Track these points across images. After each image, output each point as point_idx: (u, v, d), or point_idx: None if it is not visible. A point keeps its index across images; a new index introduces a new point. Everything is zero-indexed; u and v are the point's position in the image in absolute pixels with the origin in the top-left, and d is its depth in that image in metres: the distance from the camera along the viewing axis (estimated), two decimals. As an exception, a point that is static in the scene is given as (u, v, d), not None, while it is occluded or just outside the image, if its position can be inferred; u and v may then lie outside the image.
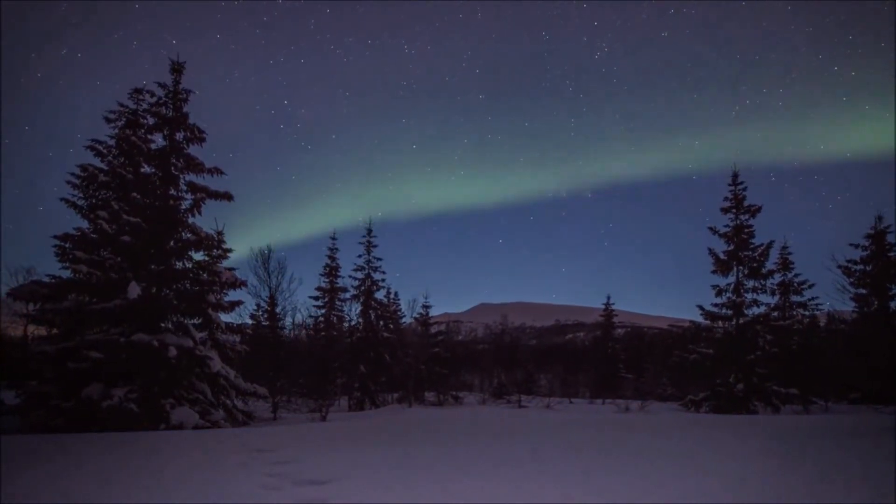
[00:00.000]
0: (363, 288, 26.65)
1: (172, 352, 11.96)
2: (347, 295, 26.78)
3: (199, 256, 14.03)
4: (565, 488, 4.78)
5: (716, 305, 21.28)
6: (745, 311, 20.94)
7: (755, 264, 20.95)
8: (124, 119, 13.76)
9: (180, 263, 13.85)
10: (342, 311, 26.97)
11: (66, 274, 12.47)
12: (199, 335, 13.33)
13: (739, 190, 21.11)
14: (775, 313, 22.42)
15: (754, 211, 20.94)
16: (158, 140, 14.06)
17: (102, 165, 13.50)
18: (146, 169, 13.84)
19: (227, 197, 14.13)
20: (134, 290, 11.94)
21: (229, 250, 14.32)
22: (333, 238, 26.89)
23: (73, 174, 13.31)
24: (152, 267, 13.07)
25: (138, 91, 13.91)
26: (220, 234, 14.07)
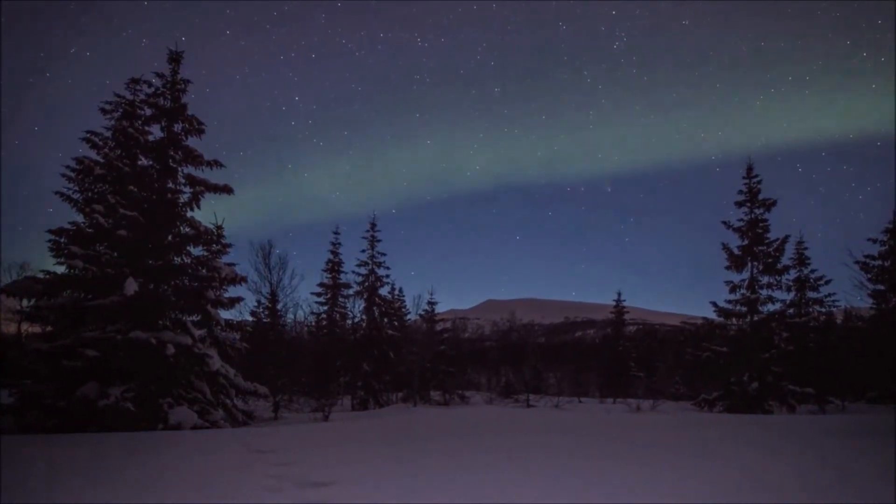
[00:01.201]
0: (367, 284, 26.24)
1: (170, 350, 11.67)
2: (351, 291, 26.42)
3: (198, 251, 13.68)
4: (576, 492, 4.65)
5: (729, 302, 20.77)
6: (760, 308, 20.40)
7: (770, 260, 20.40)
8: (121, 110, 13.40)
9: (178, 259, 13.50)
10: (345, 307, 26.63)
11: (61, 269, 12.16)
12: (197, 332, 13.00)
13: (754, 183, 20.57)
14: (791, 310, 21.87)
15: (769, 204, 20.38)
16: (156, 131, 13.73)
17: (98, 158, 13.15)
18: (143, 161, 13.49)
19: (227, 190, 13.77)
20: (131, 286, 11.64)
21: (229, 245, 13.97)
22: (336, 233, 26.58)
23: (68, 167, 12.98)
24: (150, 262, 12.73)
25: (135, 81, 13.56)
26: (219, 228, 13.71)
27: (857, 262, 21.58)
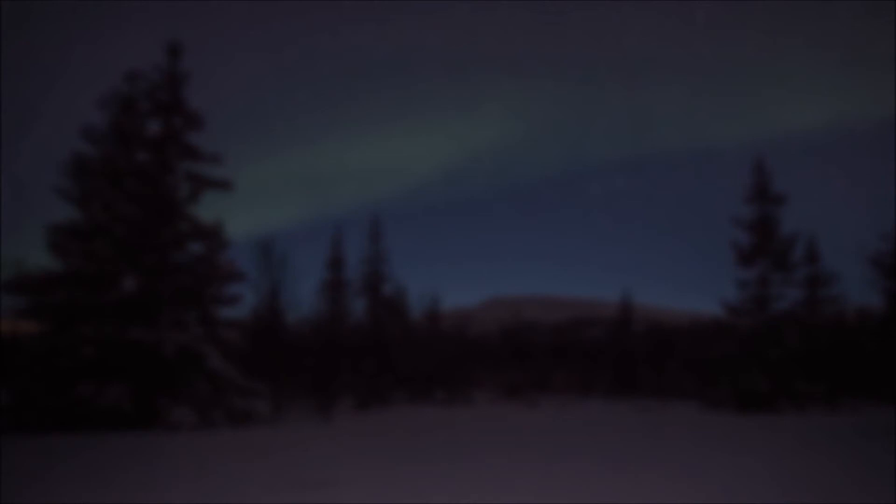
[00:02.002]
0: (369, 281, 26.02)
1: (169, 348, 11.56)
2: (353, 289, 26.17)
3: (197, 248, 13.49)
4: (576, 492, 4.61)
5: (739, 300, 20.39)
6: (770, 306, 20.04)
7: (780, 256, 20.04)
8: (119, 104, 13.17)
9: (177, 255, 13.32)
10: (347, 305, 26.37)
11: (58, 266, 11.99)
12: (196, 331, 12.85)
13: (764, 178, 20.20)
14: (802, 308, 21.45)
15: (780, 200, 20.02)
16: (155, 126, 13.48)
17: (96, 153, 12.92)
18: (142, 156, 13.26)
19: (227, 185, 13.58)
20: (129, 284, 11.46)
21: (229, 242, 13.74)
22: (338, 229, 26.36)
23: (65, 162, 12.74)
24: (148, 259, 12.55)
25: (134, 75, 13.30)
26: (219, 224, 13.47)
27: (869, 259, 21.18)
